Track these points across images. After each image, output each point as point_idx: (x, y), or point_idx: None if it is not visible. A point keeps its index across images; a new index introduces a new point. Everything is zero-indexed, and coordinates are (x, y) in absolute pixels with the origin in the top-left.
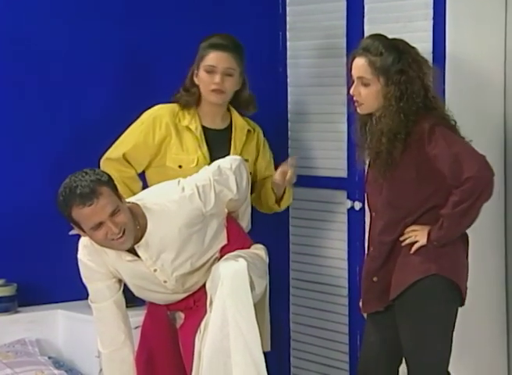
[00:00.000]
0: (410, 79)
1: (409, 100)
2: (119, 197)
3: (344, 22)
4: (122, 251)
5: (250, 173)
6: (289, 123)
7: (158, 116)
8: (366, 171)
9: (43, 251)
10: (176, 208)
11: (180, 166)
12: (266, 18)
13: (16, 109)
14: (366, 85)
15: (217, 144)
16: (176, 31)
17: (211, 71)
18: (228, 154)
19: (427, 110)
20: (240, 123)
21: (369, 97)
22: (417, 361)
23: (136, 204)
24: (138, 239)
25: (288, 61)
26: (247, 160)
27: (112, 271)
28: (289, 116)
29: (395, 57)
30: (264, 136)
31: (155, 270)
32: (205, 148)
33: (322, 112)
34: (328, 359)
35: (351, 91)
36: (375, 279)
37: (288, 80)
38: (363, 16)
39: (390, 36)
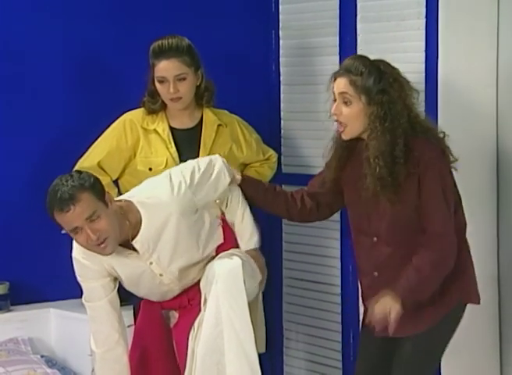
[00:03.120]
0: (392, 99)
1: (394, 121)
2: (104, 202)
3: (337, 20)
4: (117, 247)
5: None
6: (282, 122)
7: (128, 120)
8: (350, 191)
9: (35, 250)
10: (168, 198)
11: (150, 169)
12: (259, 16)
13: None
14: (348, 103)
15: (185, 143)
16: (167, 31)
17: (163, 81)
18: (198, 152)
19: (414, 133)
20: (209, 120)
21: (351, 116)
22: (415, 370)
23: (129, 201)
24: (134, 235)
25: (281, 59)
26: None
27: (107, 269)
28: (282, 114)
29: (376, 77)
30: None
31: (151, 263)
32: (173, 149)
33: (315, 110)
34: (321, 358)
35: (333, 110)
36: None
37: (281, 78)
38: (355, 15)
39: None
